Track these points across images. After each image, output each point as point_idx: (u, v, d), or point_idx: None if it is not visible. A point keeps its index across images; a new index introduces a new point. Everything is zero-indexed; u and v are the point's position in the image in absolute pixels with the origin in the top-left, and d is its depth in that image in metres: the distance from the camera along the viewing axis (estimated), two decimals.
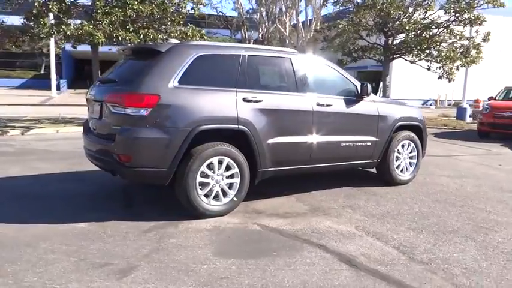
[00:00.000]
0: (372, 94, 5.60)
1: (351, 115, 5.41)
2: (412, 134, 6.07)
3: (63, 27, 9.92)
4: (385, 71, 16.21)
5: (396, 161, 5.94)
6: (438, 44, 14.61)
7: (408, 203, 5.17)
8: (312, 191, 5.59)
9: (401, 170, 6.05)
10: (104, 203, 4.92)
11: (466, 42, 14.79)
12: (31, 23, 11.16)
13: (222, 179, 4.43)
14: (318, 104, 5.07)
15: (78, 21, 11.36)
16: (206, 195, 4.37)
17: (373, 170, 6.22)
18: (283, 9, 32.55)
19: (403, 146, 5.98)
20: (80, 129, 12.34)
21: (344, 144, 5.36)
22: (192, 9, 11.78)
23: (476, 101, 20.94)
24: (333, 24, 16.38)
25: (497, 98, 13.14)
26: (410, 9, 14.03)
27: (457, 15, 13.59)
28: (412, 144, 6.10)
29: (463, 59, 14.34)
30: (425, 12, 14.38)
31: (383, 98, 5.90)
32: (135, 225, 4.14)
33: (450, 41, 14.73)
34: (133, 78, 4.19)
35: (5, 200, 4.91)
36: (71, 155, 7.82)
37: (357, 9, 14.57)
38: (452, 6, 13.47)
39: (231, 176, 4.49)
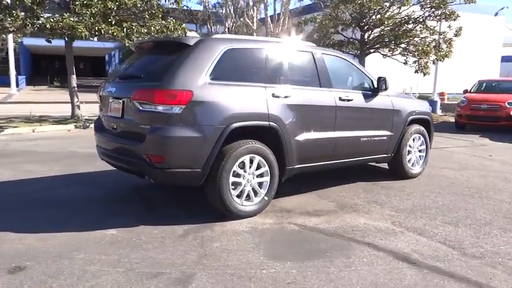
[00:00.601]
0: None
1: (369, 110, 5.37)
2: (422, 128, 6.12)
3: (42, 20, 9.29)
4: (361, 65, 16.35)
5: (408, 154, 5.97)
6: (412, 38, 14.92)
7: (428, 196, 5.20)
8: (329, 187, 5.51)
9: (412, 164, 6.09)
10: (123, 207, 4.63)
11: (437, 37, 15.20)
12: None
13: (253, 178, 4.27)
14: (340, 99, 4.99)
15: (49, 14, 10.73)
16: (238, 196, 4.19)
17: (381, 165, 6.23)
18: (251, 3, 32.37)
19: (414, 139, 6.02)
20: (58, 127, 12.04)
21: (363, 139, 5.33)
22: (175, 1, 11.39)
23: (442, 93, 21.76)
24: (310, 19, 16.37)
25: (471, 91, 13.61)
26: (387, 4, 14.22)
27: (433, 10, 13.93)
28: (422, 138, 6.16)
29: (438, 53, 14.74)
30: (399, 8, 14.64)
31: (394, 92, 5.80)
32: (168, 230, 3.91)
33: (422, 35, 15.08)
34: (162, 73, 3.93)
35: (15, 208, 4.51)
36: (60, 156, 7.38)
37: (335, 4, 14.62)
38: (429, 1, 13.79)
39: (261, 175, 4.34)
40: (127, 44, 10.15)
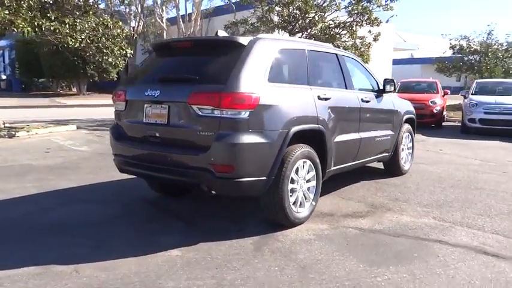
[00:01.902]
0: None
1: (381, 110, 5.55)
2: (410, 126, 6.48)
3: None
4: None
5: (401, 152, 6.28)
6: (341, 42, 15.71)
7: (436, 192, 5.51)
8: (341, 188, 5.55)
9: (404, 161, 6.42)
10: (157, 224, 4.15)
11: (358, 41, 16.21)
12: None
13: (304, 183, 4.14)
14: (363, 100, 5.07)
15: None
16: (294, 203, 4.02)
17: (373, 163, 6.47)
18: (159, 1, 31.36)
19: (405, 138, 6.35)
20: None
21: (377, 139, 5.48)
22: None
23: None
24: (240, 21, 16.33)
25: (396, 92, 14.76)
26: (321, 7, 14.77)
27: (360, 16, 14.85)
28: (410, 136, 6.52)
29: (362, 57, 15.72)
30: (324, 13, 15.30)
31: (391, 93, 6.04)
32: (236, 245, 3.60)
33: (345, 38, 15.96)
34: (223, 75, 3.60)
35: (29, 236, 3.78)
36: (17, 171, 6.37)
37: (270, 7, 14.79)
38: (355, 8, 14.66)
39: (309, 180, 4.22)
40: (70, 43, 9.10)
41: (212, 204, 4.84)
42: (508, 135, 11.27)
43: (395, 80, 5.78)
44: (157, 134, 3.87)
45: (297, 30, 15.84)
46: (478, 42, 24.66)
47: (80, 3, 10.18)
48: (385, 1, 14.90)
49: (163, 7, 31.06)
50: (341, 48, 15.24)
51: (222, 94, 3.46)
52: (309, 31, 15.42)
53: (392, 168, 6.27)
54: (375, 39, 16.07)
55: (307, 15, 14.19)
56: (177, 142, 3.77)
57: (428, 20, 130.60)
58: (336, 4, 14.59)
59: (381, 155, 5.83)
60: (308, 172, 4.16)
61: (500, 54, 23.78)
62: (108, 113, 16.49)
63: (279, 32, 16.08)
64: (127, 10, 34.03)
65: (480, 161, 7.87)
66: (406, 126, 6.33)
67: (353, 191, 5.45)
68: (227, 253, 3.44)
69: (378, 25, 14.85)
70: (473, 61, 24.93)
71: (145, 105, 3.94)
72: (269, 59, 3.86)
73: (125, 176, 5.79)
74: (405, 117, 6.23)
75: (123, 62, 12.85)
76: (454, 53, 26.11)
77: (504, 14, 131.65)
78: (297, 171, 4.00)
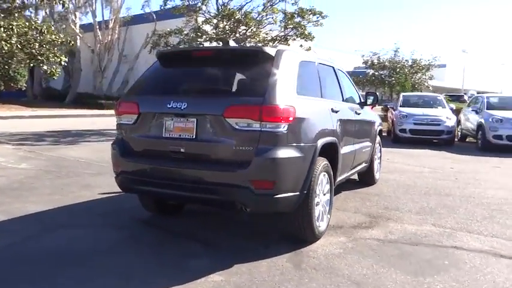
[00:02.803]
0: None
1: (365, 122, 5.75)
2: (379, 138, 6.80)
3: None
4: None
5: (375, 162, 6.56)
6: None
7: (415, 199, 5.81)
8: None
9: (376, 171, 6.71)
10: (172, 247, 3.85)
11: None
12: None
13: (323, 196, 4.12)
14: (356, 113, 5.21)
15: None
16: (317, 217, 3.98)
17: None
18: (71, 7, 29.44)
19: (377, 148, 6.65)
20: None
21: (363, 149, 5.66)
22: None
23: None
24: (174, 31, 15.91)
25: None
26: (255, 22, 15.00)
27: (294, 30, 15.36)
28: (379, 147, 6.85)
29: None
30: (260, 27, 15.61)
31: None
32: (272, 264, 3.46)
33: None
34: (258, 87, 3.46)
35: (38, 271, 3.26)
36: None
37: (206, 19, 14.67)
38: (290, 22, 15.15)
39: (325, 193, 4.21)
40: (5, 48, 8.10)
41: (213, 221, 4.65)
42: (433, 143, 12.40)
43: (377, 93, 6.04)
44: (182, 150, 3.57)
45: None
46: (386, 59, 26.87)
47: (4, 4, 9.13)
48: (316, 17, 15.56)
49: (76, 13, 29.21)
50: None
51: (263, 107, 3.32)
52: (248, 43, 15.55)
53: (367, 178, 6.51)
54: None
55: (247, 27, 14.28)
56: (207, 158, 3.53)
57: (342, 39, 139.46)
58: (272, 18, 14.91)
59: (363, 165, 6.03)
60: (325, 185, 4.15)
61: (406, 70, 26.10)
62: (24, 126, 15.05)
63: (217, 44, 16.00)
64: (32, 14, 31.47)
65: (428, 168, 8.51)
66: (378, 138, 6.62)
67: (342, 202, 5.54)
68: (271, 274, 3.28)
69: (311, 40, 15.44)
70: (383, 76, 27.06)
71: (166, 119, 3.63)
72: (295, 71, 3.80)
73: (96, 195, 5.32)
74: (378, 128, 6.53)
75: (59, 70, 11.78)
76: (366, 68, 28.14)
77: (408, 33, 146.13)
78: (318, 185, 3.96)
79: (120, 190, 4.17)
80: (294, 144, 3.48)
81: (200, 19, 15.59)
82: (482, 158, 10.51)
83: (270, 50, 3.73)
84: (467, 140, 14.41)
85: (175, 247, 3.83)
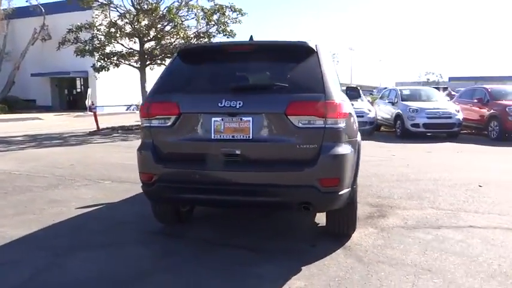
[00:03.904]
0: None
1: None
2: None
3: None
4: (142, 77, 15.93)
5: None
6: None
7: (395, 186, 6.18)
8: None
9: None
10: (219, 256, 3.58)
11: None
12: None
13: None
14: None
15: None
16: None
17: None
18: None
19: None
20: None
21: None
22: None
23: None
24: (85, 25, 14.63)
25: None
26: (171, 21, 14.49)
27: (216, 27, 15.16)
28: None
29: None
30: (180, 23, 15.16)
31: None
32: (338, 263, 3.42)
33: None
34: (312, 83, 3.36)
35: None
36: None
37: (133, 15, 13.75)
38: (211, 18, 14.92)
39: None
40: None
41: (231, 224, 4.50)
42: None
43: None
44: (237, 152, 3.31)
45: (149, 38, 15.22)
46: None
47: None
48: (236, 14, 15.58)
49: None
50: None
51: (327, 103, 3.24)
52: (166, 40, 14.98)
53: None
54: None
55: (172, 23, 13.72)
56: (267, 159, 3.33)
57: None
58: (195, 14, 14.55)
59: None
60: None
61: None
62: None
63: (134, 41, 15.18)
64: None
65: (375, 157, 9.04)
66: None
67: None
68: (344, 272, 3.24)
69: (233, 37, 15.42)
70: None
71: (214, 119, 3.33)
72: (332, 64, 3.77)
73: (75, 211, 4.81)
74: None
75: None
76: None
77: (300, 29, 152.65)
78: None
79: (102, 203, 3.84)
80: (348, 139, 3.46)
81: (114, 14, 14.60)
82: (407, 145, 11.50)
83: (312, 44, 3.64)
84: (381, 129, 15.67)
85: (220, 257, 3.57)
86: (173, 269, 3.34)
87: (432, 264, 3.36)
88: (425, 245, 3.79)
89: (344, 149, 3.34)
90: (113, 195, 5.71)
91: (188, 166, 3.41)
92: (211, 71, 3.76)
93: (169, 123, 3.44)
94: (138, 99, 31.32)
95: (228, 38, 15.43)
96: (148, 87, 16.20)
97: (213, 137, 3.35)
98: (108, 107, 27.79)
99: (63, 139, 13.44)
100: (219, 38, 15.60)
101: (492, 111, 12.37)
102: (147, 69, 16.17)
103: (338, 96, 3.38)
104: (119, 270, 3.32)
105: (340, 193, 3.36)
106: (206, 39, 15.15)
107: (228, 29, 15.17)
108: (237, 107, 3.27)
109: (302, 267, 3.31)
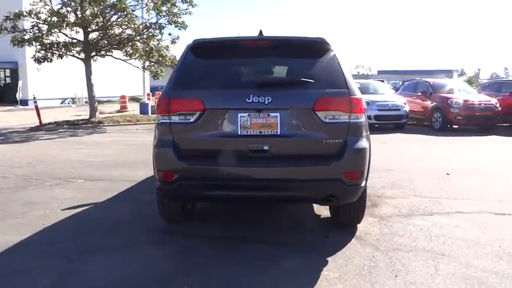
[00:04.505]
0: None
1: None
2: None
3: None
4: (87, 69, 15.10)
5: None
6: (137, 42, 15.21)
7: (374, 176, 6.15)
8: None
9: None
10: (239, 251, 3.57)
11: (156, 43, 16.05)
12: None
13: None
14: None
15: None
16: None
17: None
18: None
19: None
20: None
21: None
22: None
23: (123, 97, 22.81)
24: (21, 13, 13.52)
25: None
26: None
27: (167, 17, 14.71)
28: None
29: (161, 59, 15.59)
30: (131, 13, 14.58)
31: None
32: (359, 253, 3.56)
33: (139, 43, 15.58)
34: (334, 78, 3.44)
35: None
36: None
37: (64, 2, 12.90)
38: (161, 9, 14.45)
39: None
40: None
41: (233, 219, 4.49)
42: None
43: None
44: (265, 147, 3.31)
45: (95, 28, 14.53)
46: None
47: None
48: (187, 5, 15.25)
49: None
50: (140, 50, 14.92)
51: (351, 98, 3.34)
52: (114, 30, 14.34)
53: None
54: (173, 42, 16.20)
55: (123, 13, 13.14)
56: (295, 154, 3.37)
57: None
58: (146, 3, 14.05)
59: None
60: None
61: None
62: None
63: (77, 31, 14.38)
64: None
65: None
66: None
67: None
68: (369, 261, 3.38)
69: (184, 28, 15.11)
70: None
71: (241, 115, 3.30)
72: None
73: (62, 212, 4.66)
74: None
75: None
76: None
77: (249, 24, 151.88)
78: None
79: (87, 203, 3.82)
80: (365, 133, 3.59)
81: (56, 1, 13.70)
82: None
83: (328, 40, 3.70)
84: None
85: (243, 252, 3.56)
86: (199, 268, 3.28)
87: (443, 249, 3.61)
88: (428, 232, 4.05)
89: (364, 142, 3.47)
90: (94, 195, 5.43)
91: (214, 163, 3.35)
92: (233, 66, 3.72)
93: (192, 120, 3.35)
94: (74, 92, 29.81)
95: (179, 29, 15.10)
96: (96, 79, 15.45)
97: (239, 133, 3.32)
98: (41, 101, 26.00)
99: (3, 135, 12.44)
100: (170, 30, 15.23)
101: (435, 103, 13.28)
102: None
103: (358, 91, 3.49)
104: (144, 272, 3.20)
105: (361, 185, 3.49)
106: (158, 30, 14.70)
107: (180, 20, 14.82)
108: (266, 102, 3.27)
109: (327, 259, 3.40)
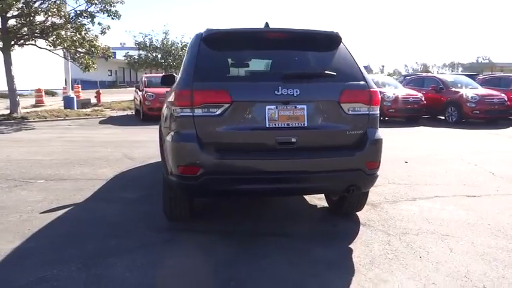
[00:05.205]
0: None
1: None
2: None
3: None
4: (7, 59, 13.69)
5: None
6: (63, 30, 14.23)
7: None
8: None
9: None
10: (260, 245, 3.55)
11: (88, 34, 15.14)
12: None
13: None
14: None
15: None
16: None
17: None
18: None
19: None
20: None
21: None
22: None
23: (38, 90, 21.24)
24: None
25: (143, 87, 14.61)
26: None
27: (100, 6, 13.83)
28: None
29: (94, 50, 14.75)
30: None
31: None
32: (372, 241, 3.73)
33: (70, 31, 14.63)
34: (351, 71, 3.54)
35: None
36: None
37: None
38: None
39: None
40: None
41: (237, 212, 4.40)
42: None
43: None
44: (293, 140, 3.31)
45: (14, 14, 13.30)
46: (159, 40, 27.15)
47: None
48: None
49: None
50: (67, 39, 14.03)
51: (371, 91, 3.47)
52: (40, 18, 13.20)
53: None
54: (102, 32, 15.37)
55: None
56: (320, 145, 3.41)
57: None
58: None
59: None
60: None
61: (181, 52, 27.03)
62: None
63: None
64: None
65: None
66: None
67: None
68: (389, 247, 3.54)
69: (118, 18, 14.37)
70: (158, 58, 27.24)
71: (268, 107, 3.26)
72: None
73: (43, 216, 4.37)
74: None
75: None
76: (139, 49, 27.71)
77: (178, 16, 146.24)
78: None
79: (64, 205, 3.83)
80: (378, 125, 3.75)
81: None
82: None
83: (338, 33, 3.77)
84: None
85: (263, 246, 3.55)
86: (230, 264, 3.20)
87: (445, 230, 3.91)
88: (422, 215, 4.34)
89: (380, 133, 3.62)
90: (67, 195, 5.02)
91: (242, 156, 3.28)
92: (254, 58, 3.65)
93: (218, 112, 3.24)
94: None
95: (112, 19, 14.30)
96: (16, 70, 14.11)
97: (267, 126, 3.28)
98: None
99: None
100: (102, 19, 14.39)
101: (449, 98, 13.87)
102: None
103: (374, 84, 3.62)
104: (176, 273, 3.07)
105: (377, 174, 3.65)
106: (89, 19, 13.79)
107: (113, 9, 14.05)
108: (294, 94, 3.27)
109: (349, 246, 3.52)
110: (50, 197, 4.93)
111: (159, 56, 27.27)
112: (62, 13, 12.96)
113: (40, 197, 4.95)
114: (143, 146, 8.73)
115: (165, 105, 3.99)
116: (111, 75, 53.90)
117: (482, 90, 14.07)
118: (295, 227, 4.01)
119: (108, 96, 24.72)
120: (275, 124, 3.31)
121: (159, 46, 27.23)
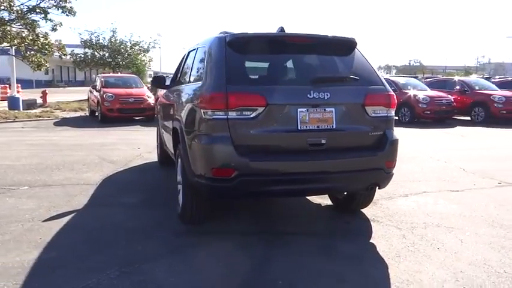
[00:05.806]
0: None
1: None
2: None
3: None
4: None
5: None
6: (9, 26, 13.45)
7: None
8: None
9: None
10: (285, 244, 3.65)
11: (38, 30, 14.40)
12: None
13: None
14: None
15: None
16: None
17: None
18: None
19: None
20: None
21: None
22: None
23: (4, 87, 19.96)
24: None
25: (101, 87, 14.15)
26: None
27: (54, 2, 13.16)
28: None
29: (48, 48, 14.08)
30: None
31: None
32: (389, 235, 3.95)
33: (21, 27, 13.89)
34: (369, 75, 3.73)
35: None
36: None
37: None
38: None
39: None
40: None
41: (245, 211, 4.46)
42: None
43: None
44: (323, 141, 3.44)
45: None
46: (107, 39, 26.26)
47: None
48: None
49: None
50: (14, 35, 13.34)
51: (390, 94, 3.68)
52: None
53: None
54: (53, 29, 14.72)
55: None
56: (346, 146, 3.56)
57: None
58: None
59: None
60: None
61: (129, 50, 26.32)
62: None
63: None
64: None
65: None
66: None
67: None
68: (407, 239, 3.79)
69: (73, 15, 13.78)
70: (105, 57, 26.33)
71: (300, 110, 3.37)
72: None
73: (44, 225, 4.21)
74: None
75: None
76: (85, 47, 26.63)
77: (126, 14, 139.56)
78: None
79: (64, 212, 4.00)
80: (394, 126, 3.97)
81: None
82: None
83: (350, 37, 3.95)
84: None
85: (289, 244, 3.64)
86: (271, 265, 3.27)
87: (448, 223, 4.21)
88: (421, 210, 4.65)
89: (396, 134, 3.85)
90: (61, 202, 4.81)
91: (276, 158, 3.36)
92: (282, 62, 3.72)
93: (252, 115, 3.29)
94: None
95: (67, 15, 13.68)
96: None
97: (299, 128, 3.39)
98: None
99: None
100: (56, 16, 13.72)
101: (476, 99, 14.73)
102: None
103: (389, 88, 3.84)
104: (221, 274, 3.09)
105: (393, 173, 3.87)
106: (42, 14, 13.08)
107: (68, 5, 13.44)
108: (325, 98, 3.41)
109: (371, 241, 3.71)
110: (45, 204, 4.70)
111: (107, 54, 26.38)
112: (15, 8, 12.20)
113: (33, 204, 4.70)
114: (116, 148, 8.47)
115: (185, 108, 3.93)
116: (47, 73, 51.18)
117: (431, 92, 15.05)
118: (311, 225, 4.15)
119: (51, 96, 23.49)
120: (306, 126, 3.42)
121: (106, 44, 26.31)
